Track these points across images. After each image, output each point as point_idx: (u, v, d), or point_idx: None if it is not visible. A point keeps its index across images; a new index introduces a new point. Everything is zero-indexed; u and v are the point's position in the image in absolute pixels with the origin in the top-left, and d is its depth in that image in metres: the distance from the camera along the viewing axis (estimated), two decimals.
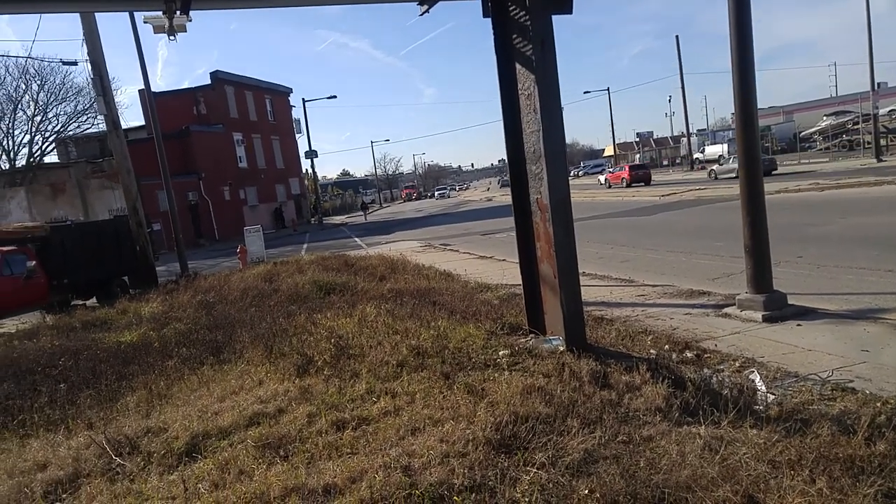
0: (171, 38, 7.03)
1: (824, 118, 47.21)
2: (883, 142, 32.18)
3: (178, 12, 6.21)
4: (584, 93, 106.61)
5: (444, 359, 5.42)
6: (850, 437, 3.45)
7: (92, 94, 31.44)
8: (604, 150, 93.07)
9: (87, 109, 38.67)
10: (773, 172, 30.01)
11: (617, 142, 67.48)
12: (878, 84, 32.40)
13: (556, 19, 5.71)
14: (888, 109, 38.19)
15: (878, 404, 4.03)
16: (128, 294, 14.84)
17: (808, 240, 11.13)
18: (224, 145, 43.97)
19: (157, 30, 7.03)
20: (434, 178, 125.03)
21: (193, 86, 47.76)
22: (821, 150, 43.68)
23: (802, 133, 47.01)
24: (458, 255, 16.64)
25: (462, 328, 6.38)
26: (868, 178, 20.34)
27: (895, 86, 54.23)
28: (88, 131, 40.11)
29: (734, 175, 31.54)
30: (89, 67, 16.92)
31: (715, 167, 36.41)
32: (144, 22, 7.33)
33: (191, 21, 6.77)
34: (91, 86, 19.17)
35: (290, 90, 55.76)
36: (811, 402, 4.22)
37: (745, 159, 6.88)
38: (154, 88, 20.73)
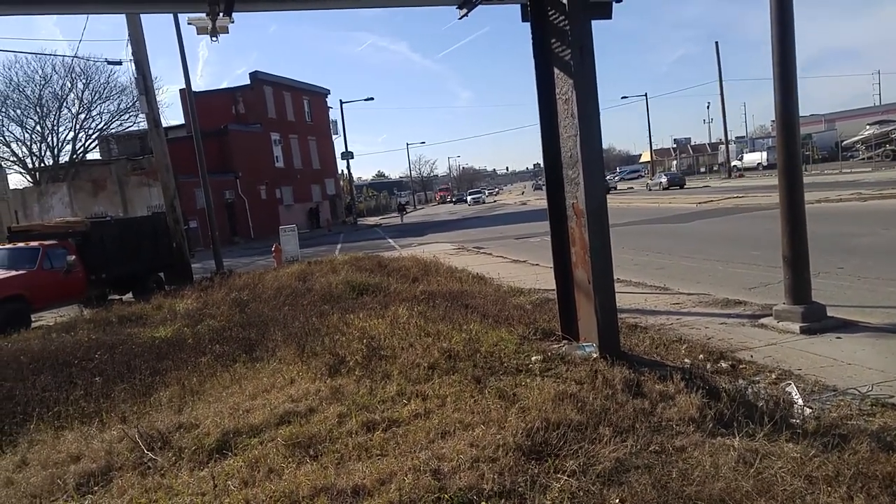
0: (214, 39, 7.19)
1: (867, 127, 45.61)
2: None
3: (220, 14, 6.36)
4: (622, 98, 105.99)
5: (475, 363, 5.42)
6: (890, 454, 3.37)
7: (134, 93, 32.43)
8: (640, 155, 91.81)
9: (129, 108, 39.99)
10: (684, 187, 41.28)
11: (654, 147, 66.47)
12: None
13: (595, 23, 5.68)
14: None
15: None
16: (163, 290, 15.16)
17: (849, 250, 10.81)
18: (261, 145, 44.74)
19: (201, 31, 7.20)
20: (468, 181, 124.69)
21: (232, 86, 48.76)
22: (863, 159, 42.28)
23: (844, 142, 45.56)
24: (491, 258, 16.62)
25: (494, 332, 6.37)
26: None
27: None
28: (130, 129, 41.34)
29: (658, 188, 44.82)
30: (133, 67, 17.43)
31: (648, 181, 51.47)
32: (188, 23, 7.52)
33: (233, 23, 6.91)
34: (134, 85, 19.76)
35: (328, 91, 56.39)
36: (850, 417, 4.13)
37: (786, 168, 6.72)
38: (194, 88, 21.18)
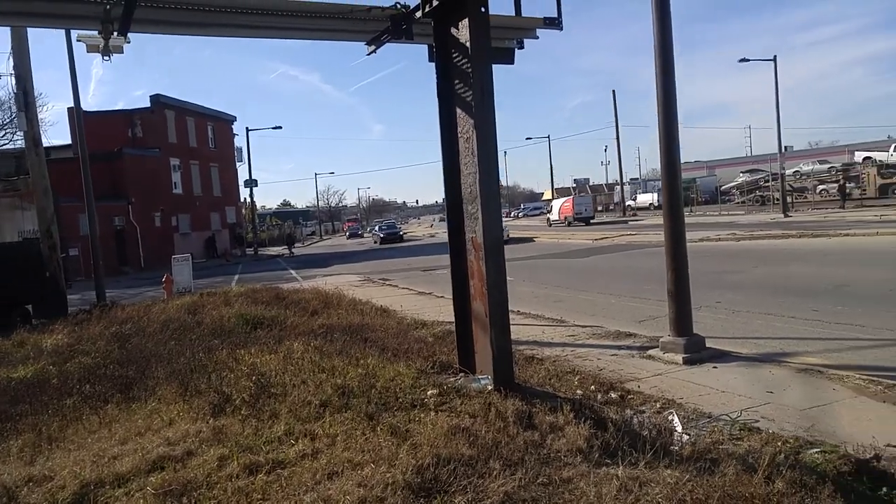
0: (106, 58, 6.72)
1: (741, 174, 51.41)
2: (789, 199, 35.02)
3: (115, 33, 5.97)
4: (526, 139, 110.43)
5: (370, 399, 5.24)
6: (752, 475, 3.55)
7: (13, 110, 29.78)
8: (543, 193, 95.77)
9: (5, 125, 36.62)
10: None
11: (556, 186, 69.70)
12: (786, 147, 36.24)
13: (500, 67, 5.87)
14: (793, 170, 42.63)
15: (779, 443, 4.26)
16: (29, 324, 13.66)
17: (724, 286, 11.71)
18: (159, 170, 42.48)
19: (91, 49, 6.70)
20: (378, 212, 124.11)
21: (130, 107, 46.05)
22: (738, 203, 46.99)
23: (723, 187, 50.36)
24: (397, 290, 16.51)
25: (392, 366, 6.23)
26: (776, 231, 21.90)
27: (800, 149, 61.14)
28: (5, 147, 37.85)
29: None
30: (13, 81, 16.14)
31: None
32: (78, 40, 7.02)
33: (129, 42, 6.51)
34: (13, 100, 18.23)
35: (234, 118, 54.89)
36: (721, 441, 4.40)
37: (669, 209, 7.20)
38: (86, 107, 19.85)
